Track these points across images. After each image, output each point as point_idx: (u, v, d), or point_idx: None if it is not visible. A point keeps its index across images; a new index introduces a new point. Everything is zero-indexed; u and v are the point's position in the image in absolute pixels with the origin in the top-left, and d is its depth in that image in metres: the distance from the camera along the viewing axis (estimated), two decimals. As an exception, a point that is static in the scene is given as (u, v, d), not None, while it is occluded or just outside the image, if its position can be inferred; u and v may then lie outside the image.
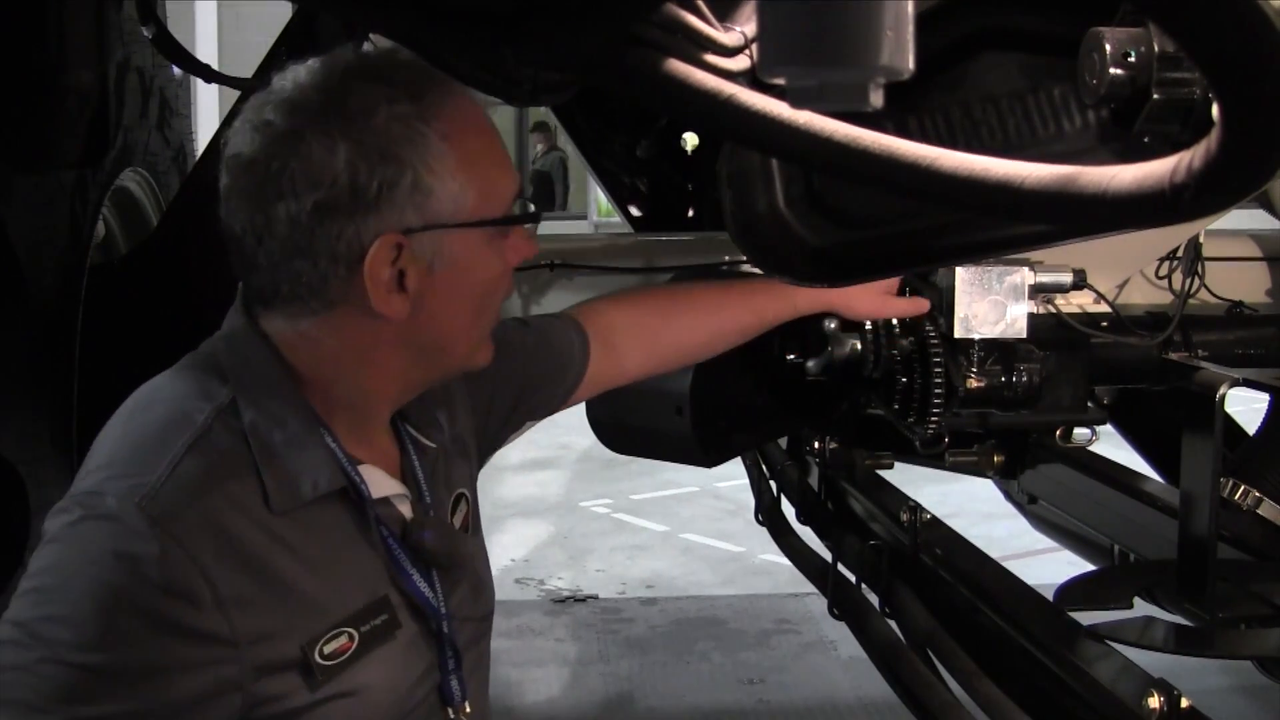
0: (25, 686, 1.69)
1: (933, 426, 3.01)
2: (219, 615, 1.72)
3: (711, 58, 1.45)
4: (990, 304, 2.85)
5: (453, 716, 2.02)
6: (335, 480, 1.87)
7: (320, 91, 1.80)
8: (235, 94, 4.03)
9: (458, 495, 2.12)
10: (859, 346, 3.06)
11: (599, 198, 18.81)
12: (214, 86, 4.17)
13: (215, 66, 3.66)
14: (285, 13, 3.96)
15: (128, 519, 1.71)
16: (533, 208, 2.01)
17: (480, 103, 1.88)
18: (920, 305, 2.88)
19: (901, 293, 2.94)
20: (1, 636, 1.74)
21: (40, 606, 1.73)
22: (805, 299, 2.72)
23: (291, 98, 1.80)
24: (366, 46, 1.96)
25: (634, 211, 5.50)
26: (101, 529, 1.73)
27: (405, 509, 1.97)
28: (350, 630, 1.85)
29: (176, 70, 4.54)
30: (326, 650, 1.82)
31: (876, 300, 2.83)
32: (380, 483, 1.94)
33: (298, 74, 1.84)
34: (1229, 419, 3.23)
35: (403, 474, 2.01)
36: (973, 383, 2.94)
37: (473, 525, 2.16)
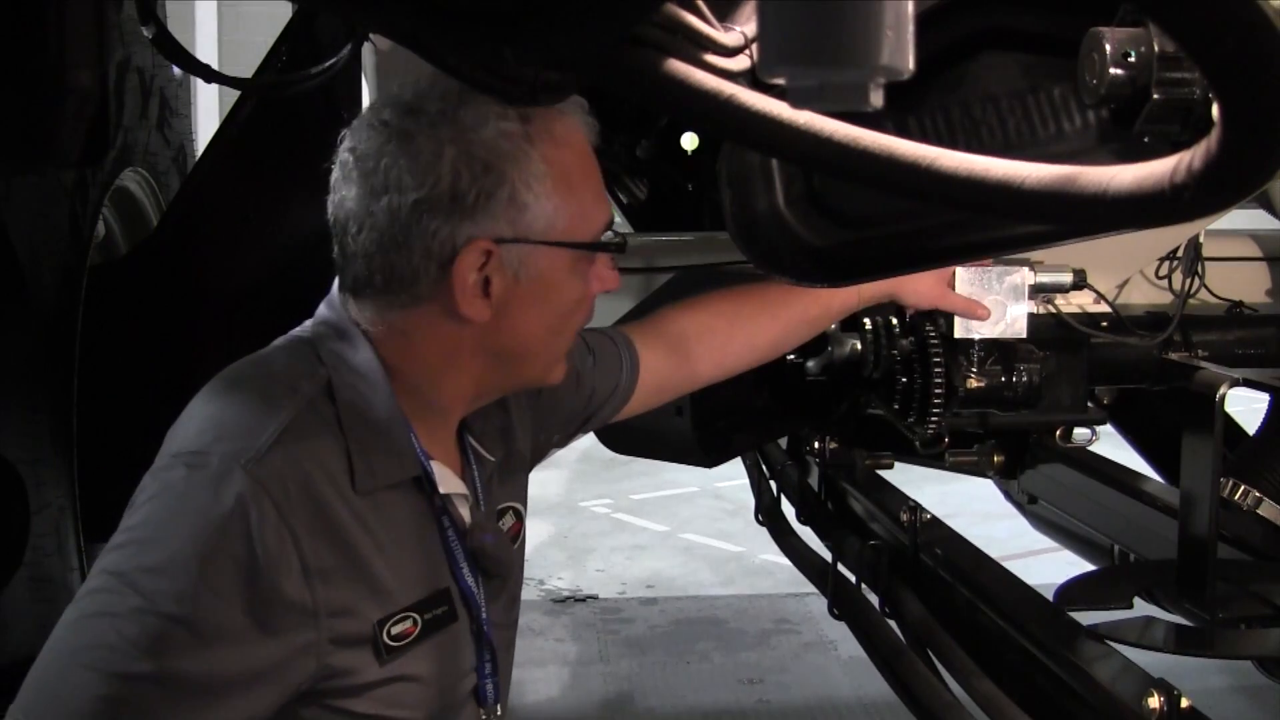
0: (118, 633, 1.74)
1: (933, 426, 3.01)
2: (304, 585, 1.80)
3: (712, 58, 1.45)
4: (990, 304, 2.85)
5: (484, 717, 2.10)
6: (415, 468, 1.95)
7: (437, 100, 1.88)
8: (235, 94, 4.05)
9: (507, 508, 2.20)
10: (859, 346, 3.06)
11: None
12: (214, 86, 4.17)
13: (215, 66, 3.65)
14: (285, 12, 3.97)
15: (231, 480, 1.78)
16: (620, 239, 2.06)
17: (586, 132, 1.98)
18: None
19: None
20: (96, 585, 1.80)
21: (137, 557, 1.79)
22: (869, 288, 2.75)
23: (410, 102, 1.90)
24: (367, 47, 2.02)
25: (634, 211, 5.50)
26: (205, 488, 1.79)
27: (465, 511, 2.05)
28: (415, 615, 1.94)
29: (176, 70, 4.54)
30: (394, 631, 1.91)
31: (936, 289, 2.85)
32: (447, 480, 2.02)
33: (419, 82, 1.92)
34: (1229, 419, 3.23)
35: (463, 479, 2.08)
36: (973, 383, 2.95)
37: (520, 540, 2.24)
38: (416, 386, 1.97)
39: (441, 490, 1.99)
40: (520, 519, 2.23)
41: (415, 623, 1.93)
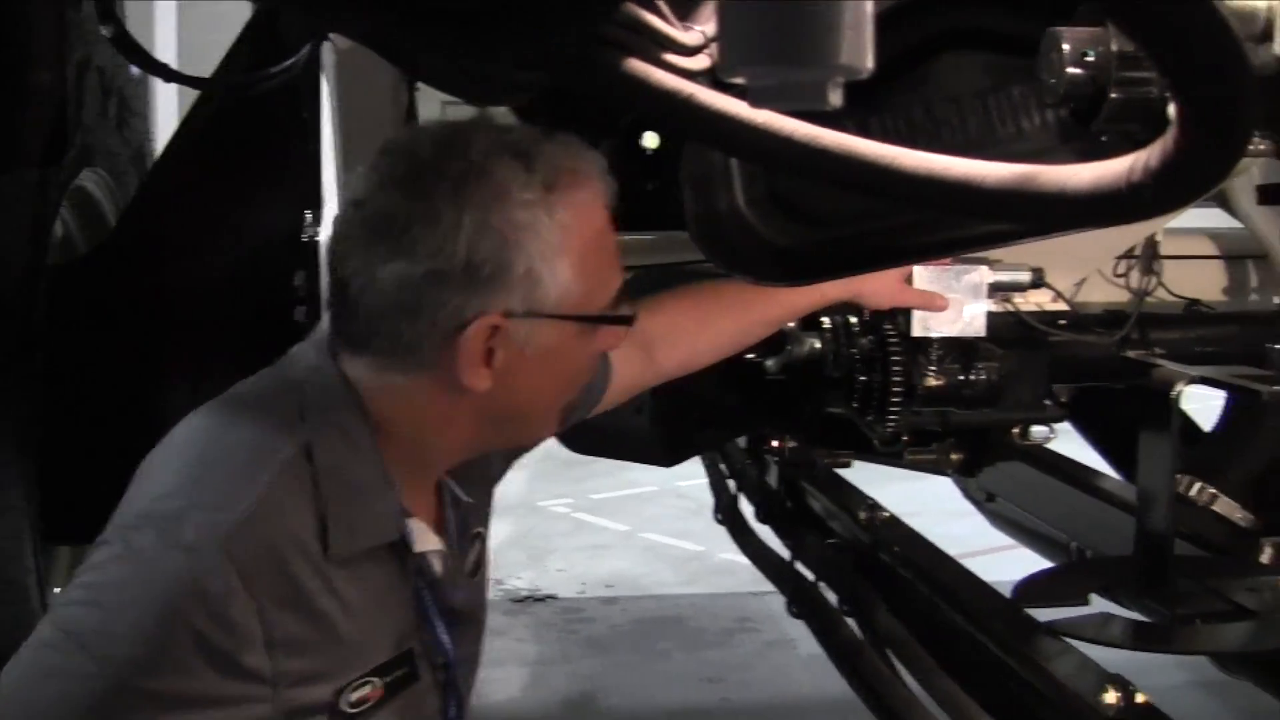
0: (62, 693, 1.71)
1: (892, 425, 3.02)
2: (265, 656, 1.76)
3: (672, 57, 1.45)
4: (949, 303, 2.86)
5: None
6: (392, 533, 1.90)
7: (459, 159, 1.82)
8: (194, 94, 4.03)
9: (475, 535, 2.16)
10: (818, 345, 3.07)
11: (559, 198, 18.76)
12: (173, 86, 4.15)
13: (175, 66, 3.64)
14: (246, 12, 3.95)
15: (204, 554, 1.73)
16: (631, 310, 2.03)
17: (607, 195, 1.96)
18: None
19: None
20: (44, 638, 1.77)
21: (98, 622, 1.75)
22: (830, 288, 2.72)
23: (426, 157, 1.83)
24: (327, 47, 1.98)
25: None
26: (176, 558, 1.74)
27: (439, 563, 2.01)
28: (375, 680, 1.90)
29: (136, 70, 4.52)
30: (353, 698, 1.87)
31: (894, 286, 2.82)
32: (423, 537, 1.97)
33: (435, 132, 1.88)
34: (1186, 416, 3.25)
35: (439, 527, 2.05)
36: (931, 381, 2.95)
37: (483, 563, 2.20)
38: (403, 445, 1.92)
39: (417, 549, 1.95)
40: (484, 543, 2.19)
41: (375, 687, 1.89)
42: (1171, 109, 1.17)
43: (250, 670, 1.75)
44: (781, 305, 2.71)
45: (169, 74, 3.55)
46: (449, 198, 1.79)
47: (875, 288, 2.80)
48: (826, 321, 3.06)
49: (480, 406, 1.90)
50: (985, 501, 3.99)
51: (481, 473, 2.16)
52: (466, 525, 2.11)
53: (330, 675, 1.83)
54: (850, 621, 3.21)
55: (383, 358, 1.87)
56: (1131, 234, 3.31)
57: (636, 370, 2.55)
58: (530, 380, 1.91)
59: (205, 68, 3.97)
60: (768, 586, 3.96)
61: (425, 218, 1.79)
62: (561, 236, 1.84)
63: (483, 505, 2.21)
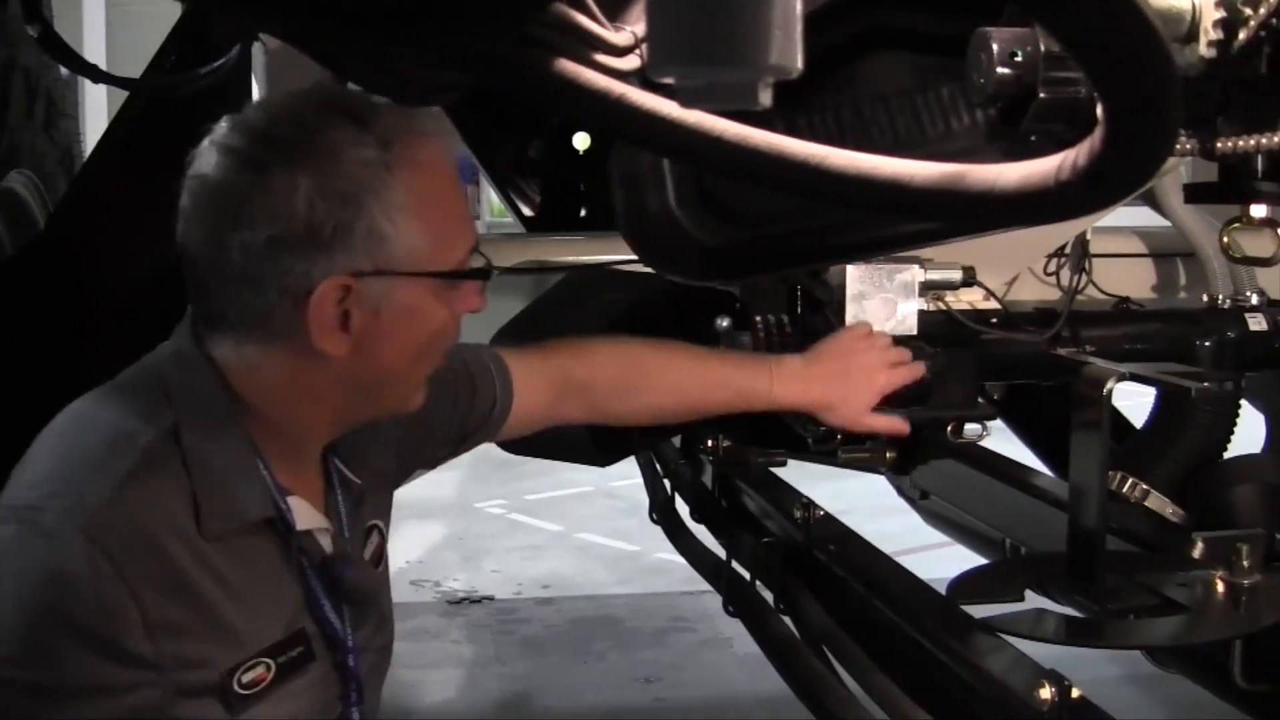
0: None
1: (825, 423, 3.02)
2: (146, 639, 1.73)
3: (602, 57, 1.45)
4: (881, 301, 2.86)
5: None
6: (266, 509, 1.88)
7: (292, 125, 1.81)
8: (124, 95, 4.01)
9: (371, 527, 2.13)
10: (751, 345, 3.06)
11: (491, 198, 18.74)
12: (102, 87, 4.14)
13: (103, 66, 3.62)
14: (174, 12, 3.93)
15: (65, 538, 1.71)
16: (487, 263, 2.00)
17: (449, 153, 1.92)
18: (898, 426, 2.86)
19: (793, 292, 2.96)
20: None
21: None
22: (790, 395, 2.70)
23: (262, 127, 1.82)
24: (257, 47, 1.97)
25: (526, 212, 5.50)
26: (38, 546, 1.73)
27: (326, 542, 1.99)
28: (268, 660, 1.87)
29: (64, 70, 4.49)
30: (245, 680, 1.84)
31: (858, 411, 2.78)
32: (306, 515, 1.95)
33: (271, 102, 1.88)
34: (1117, 413, 3.27)
35: (326, 507, 2.02)
36: (864, 380, 2.95)
37: (383, 557, 2.17)
38: (273, 421, 1.91)
39: (300, 526, 1.92)
40: (383, 537, 2.16)
41: (268, 668, 1.87)
42: (1099, 109, 1.17)
43: (133, 655, 1.73)
44: (739, 400, 2.70)
45: (97, 74, 3.53)
46: (283, 163, 1.78)
47: (842, 414, 2.78)
48: (759, 320, 3.05)
49: (342, 374, 1.89)
50: (919, 499, 3.99)
51: (370, 455, 2.13)
52: (359, 509, 2.09)
53: (218, 657, 1.81)
54: (786, 619, 3.21)
55: (239, 332, 1.86)
56: (1062, 232, 3.33)
57: (547, 401, 2.53)
58: (389, 343, 1.89)
59: (134, 68, 3.95)
60: (703, 585, 3.97)
61: (262, 185, 1.78)
62: (404, 193, 1.82)
63: (380, 499, 2.18)
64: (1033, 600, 2.59)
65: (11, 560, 1.74)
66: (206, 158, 1.84)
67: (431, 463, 2.43)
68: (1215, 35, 1.76)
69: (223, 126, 1.86)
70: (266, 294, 1.81)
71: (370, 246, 1.81)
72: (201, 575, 1.79)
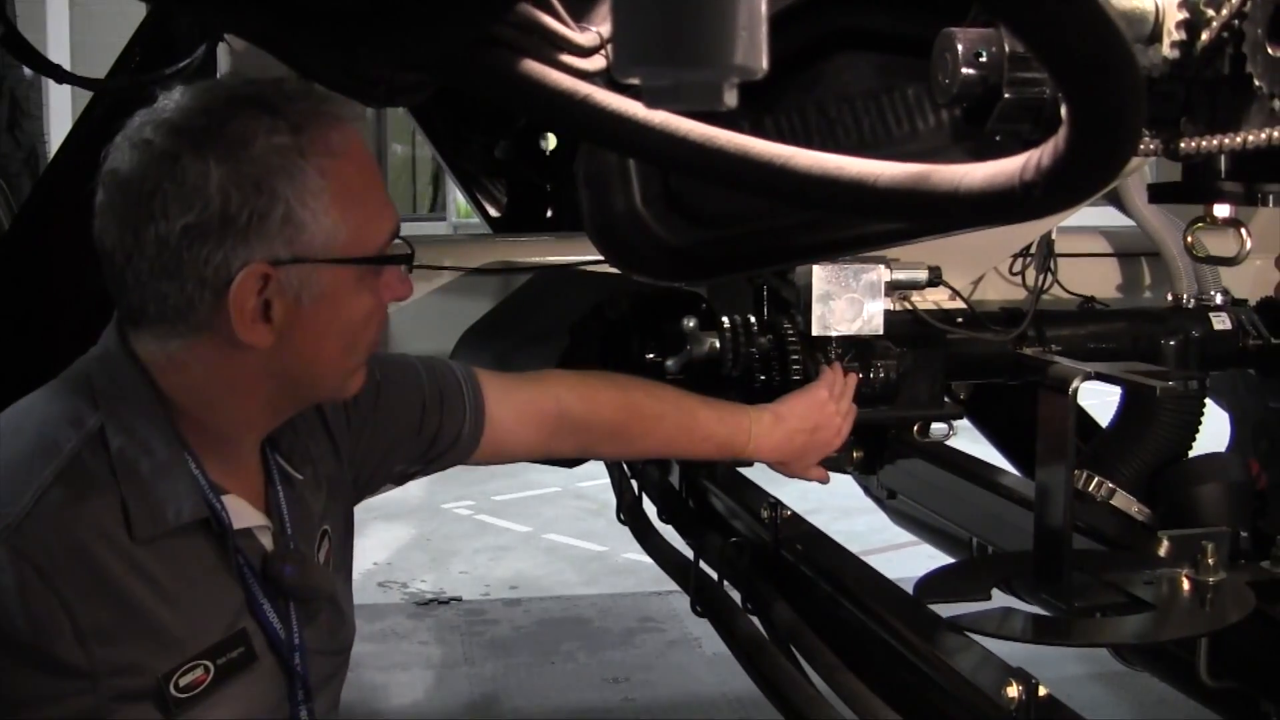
0: None
1: (792, 423, 3.02)
2: (77, 647, 1.72)
3: (568, 58, 1.45)
4: (847, 301, 2.86)
5: None
6: (198, 510, 1.85)
7: (202, 115, 1.78)
8: (88, 95, 3.99)
9: (323, 531, 2.10)
10: (717, 345, 3.06)
11: (457, 198, 18.73)
12: (67, 87, 4.12)
13: (67, 67, 3.60)
14: (138, 13, 3.92)
15: None
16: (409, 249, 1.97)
17: (363, 139, 1.88)
18: (824, 478, 2.92)
19: (759, 292, 2.97)
20: None
21: None
22: (758, 452, 2.75)
23: (172, 118, 1.79)
24: (221, 47, 1.95)
25: (492, 212, 5.50)
26: None
27: (266, 540, 1.96)
28: (206, 663, 1.84)
29: (27, 71, 4.47)
30: (182, 683, 1.81)
31: (805, 469, 2.84)
32: (243, 513, 1.92)
33: (182, 95, 1.82)
34: (1082, 412, 3.28)
35: (267, 504, 1.99)
36: (831, 379, 2.96)
37: (337, 560, 2.14)
38: (203, 417, 1.87)
39: (237, 525, 1.89)
40: (333, 540, 2.12)
41: (207, 670, 1.84)
42: (1063, 109, 1.18)
43: (65, 664, 1.71)
44: (714, 444, 2.73)
45: (61, 75, 3.51)
46: (194, 152, 1.75)
47: (794, 469, 2.83)
48: (725, 321, 3.05)
49: (269, 365, 1.86)
50: (886, 499, 4.01)
51: (315, 448, 2.10)
52: (305, 506, 2.05)
53: (152, 661, 1.79)
54: (754, 619, 3.21)
55: (161, 327, 1.82)
56: (1027, 232, 3.34)
57: (540, 437, 2.51)
58: (314, 332, 1.86)
59: (99, 68, 3.94)
60: (670, 586, 3.97)
61: (173, 176, 1.75)
62: (319, 178, 1.79)
63: (334, 506, 2.15)
64: (1000, 599, 2.59)
65: None
66: (119, 153, 1.81)
67: (401, 478, 2.39)
68: (1178, 36, 1.77)
69: (135, 121, 1.83)
70: (185, 286, 1.78)
71: (287, 234, 1.78)
72: (133, 580, 1.77)
